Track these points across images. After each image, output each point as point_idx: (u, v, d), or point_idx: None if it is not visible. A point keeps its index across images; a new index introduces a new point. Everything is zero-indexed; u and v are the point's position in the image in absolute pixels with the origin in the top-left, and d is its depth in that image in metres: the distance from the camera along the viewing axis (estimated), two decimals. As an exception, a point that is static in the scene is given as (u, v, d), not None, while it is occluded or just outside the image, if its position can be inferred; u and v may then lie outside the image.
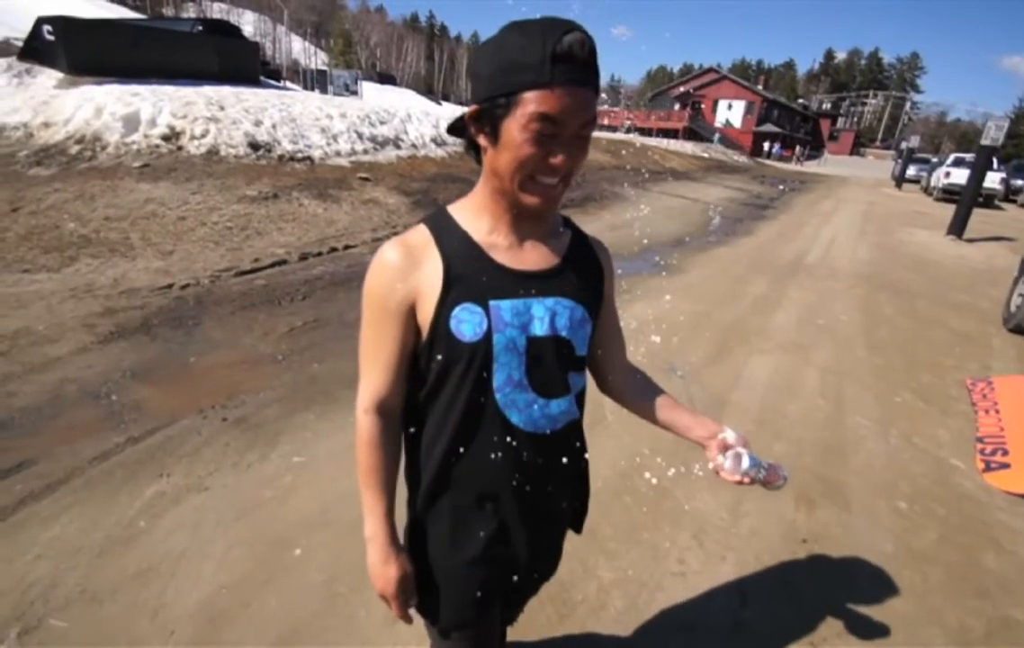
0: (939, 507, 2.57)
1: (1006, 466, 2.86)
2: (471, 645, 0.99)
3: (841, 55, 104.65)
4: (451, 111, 21.04)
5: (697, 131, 41.91)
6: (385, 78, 37.51)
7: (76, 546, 1.95)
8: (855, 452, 2.97)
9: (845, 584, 2.09)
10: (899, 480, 2.75)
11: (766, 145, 47.20)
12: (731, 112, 50.71)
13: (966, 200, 10.44)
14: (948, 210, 11.42)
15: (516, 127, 0.70)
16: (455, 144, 12.09)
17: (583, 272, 0.88)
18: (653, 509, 2.37)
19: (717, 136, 40.82)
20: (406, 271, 0.79)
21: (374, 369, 0.84)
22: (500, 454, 0.84)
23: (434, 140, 11.36)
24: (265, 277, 4.73)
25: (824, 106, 78.36)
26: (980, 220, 12.15)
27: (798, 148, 47.53)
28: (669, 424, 0.99)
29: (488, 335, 0.78)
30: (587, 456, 1.01)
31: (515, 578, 0.95)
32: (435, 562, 0.92)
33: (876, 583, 2.09)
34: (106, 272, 4.29)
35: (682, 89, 53.67)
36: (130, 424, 2.64)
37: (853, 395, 3.63)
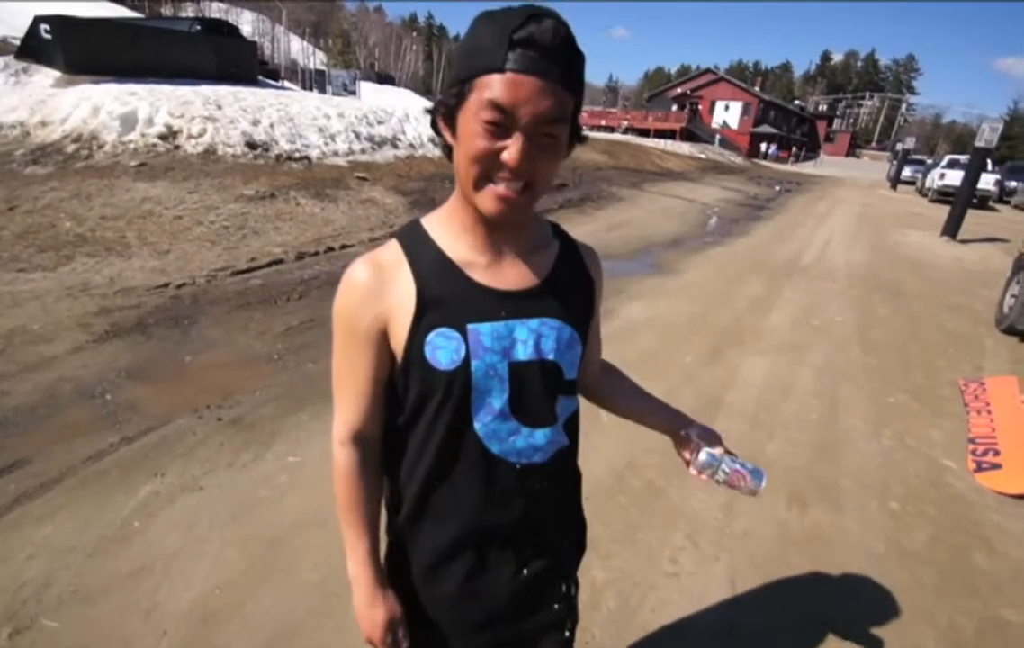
0: (931, 507, 2.59)
1: (997, 467, 2.88)
2: None
3: (838, 57, 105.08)
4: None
5: (695, 132, 41.96)
6: (384, 78, 37.49)
7: (69, 546, 1.95)
8: (848, 452, 2.99)
9: (837, 584, 2.10)
10: (891, 480, 2.77)
11: (763, 146, 47.34)
12: (728, 113, 50.82)
13: (960, 202, 10.49)
14: (943, 211, 11.47)
15: (469, 116, 0.63)
16: (452, 144, 12.10)
17: (572, 288, 0.81)
18: (647, 509, 2.38)
19: (718, 138, 40.87)
20: (375, 293, 0.73)
21: (347, 398, 0.79)
22: (481, 486, 0.78)
23: (432, 140, 11.35)
24: (261, 276, 4.73)
25: (820, 107, 78.67)
26: (974, 221, 12.22)
27: (794, 149, 47.68)
28: (636, 415, 0.98)
29: (466, 362, 0.71)
30: (581, 487, 0.97)
31: (501, 614, 0.87)
32: (414, 591, 0.86)
33: (868, 583, 2.11)
34: (102, 271, 4.28)
35: (679, 90, 53.76)
36: (125, 424, 2.64)
37: (847, 396, 3.64)
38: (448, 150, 0.71)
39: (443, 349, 0.71)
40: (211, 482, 2.33)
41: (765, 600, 1.99)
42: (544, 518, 0.85)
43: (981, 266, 8.39)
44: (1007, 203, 20.44)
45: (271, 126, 8.34)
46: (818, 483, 2.69)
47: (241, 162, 7.35)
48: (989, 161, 15.31)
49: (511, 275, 0.76)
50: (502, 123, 0.62)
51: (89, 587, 1.80)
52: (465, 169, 0.66)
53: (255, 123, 8.17)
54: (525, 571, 0.85)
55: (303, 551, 2.02)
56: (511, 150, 0.63)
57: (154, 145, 6.82)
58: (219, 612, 1.76)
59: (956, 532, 2.44)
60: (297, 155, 8.16)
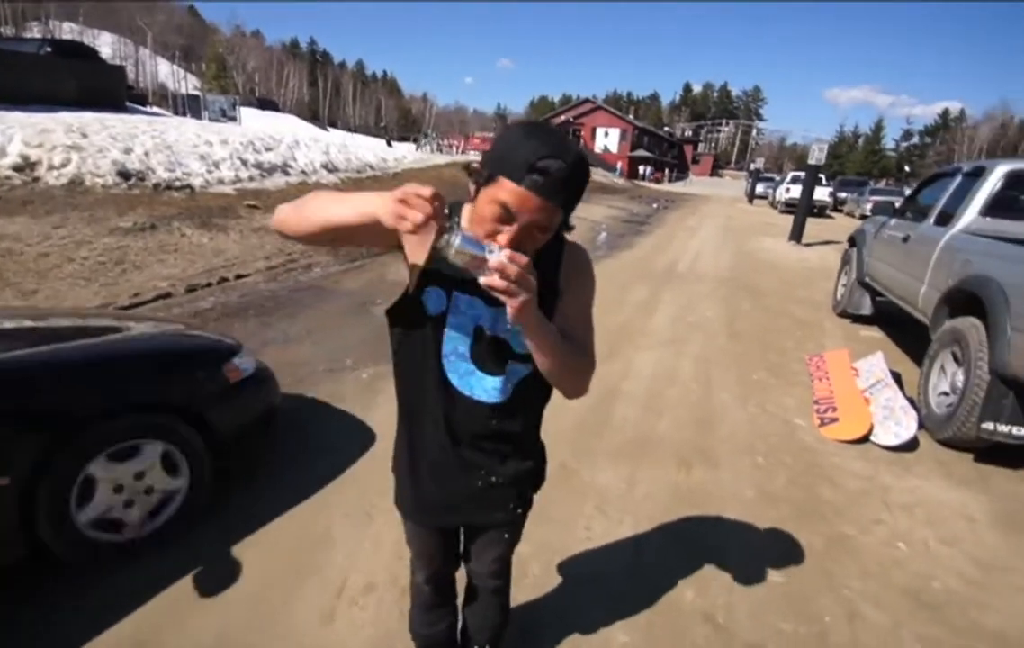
0: (787, 458, 3.12)
1: (835, 420, 3.52)
2: (416, 540, 1.31)
3: (697, 88, 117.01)
4: (341, 137, 20.61)
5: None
6: (266, 103, 35.96)
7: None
8: (722, 422, 3.49)
9: (719, 526, 2.49)
10: (756, 441, 3.28)
11: (641, 168, 51.39)
12: (608, 139, 54.56)
13: (801, 212, 12.25)
14: (790, 220, 13.27)
15: (486, 198, 0.87)
16: (347, 171, 11.97)
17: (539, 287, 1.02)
18: (561, 488, 2.65)
19: (619, 168, 43.50)
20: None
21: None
22: (439, 404, 1.08)
23: (325, 166, 11.17)
24: (148, 312, 4.46)
25: (686, 133, 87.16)
26: (815, 228, 14.25)
27: (667, 171, 52.24)
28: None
29: (445, 313, 1.02)
30: (519, 432, 1.16)
31: (457, 507, 1.20)
32: (398, 462, 1.22)
33: (742, 522, 2.52)
34: (-45, 316, 3.82)
35: (563, 117, 56.72)
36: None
37: (719, 377, 4.22)
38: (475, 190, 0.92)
39: (433, 300, 1.02)
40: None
41: (663, 546, 2.32)
42: (494, 448, 1.14)
43: (820, 264, 9.84)
44: (840, 211, 23.97)
45: (146, 154, 7.78)
46: (700, 449, 3.13)
47: (114, 193, 6.80)
48: (823, 177, 17.95)
49: None
50: (505, 219, 0.86)
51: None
52: (479, 224, 0.88)
53: (127, 151, 7.59)
54: (480, 483, 1.16)
55: (234, 572, 2.03)
56: (504, 235, 0.86)
57: (8, 178, 6.11)
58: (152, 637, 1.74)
59: (807, 474, 2.97)
60: (178, 184, 7.69)
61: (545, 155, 0.82)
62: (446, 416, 1.08)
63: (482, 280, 0.80)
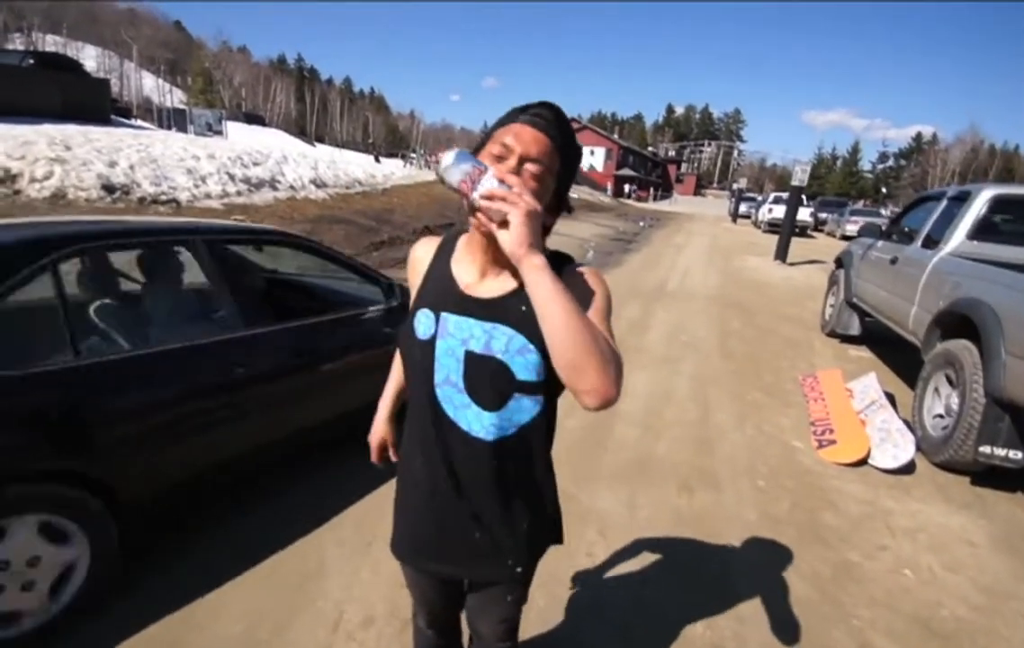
0: (788, 481, 3.09)
1: (833, 442, 3.51)
2: (416, 588, 1.23)
3: (679, 109, 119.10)
4: (329, 153, 20.53)
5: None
6: (253, 118, 35.86)
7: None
8: (721, 444, 3.47)
9: (723, 550, 2.45)
10: (757, 462, 3.26)
11: (626, 187, 52.08)
12: (593, 158, 55.26)
13: (785, 232, 12.45)
14: (773, 240, 13.48)
15: (485, 152, 0.90)
16: (335, 187, 11.90)
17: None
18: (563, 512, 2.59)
19: (609, 187, 44.06)
20: (418, 262, 1.08)
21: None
22: (436, 440, 0.99)
23: (314, 182, 11.09)
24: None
25: (669, 153, 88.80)
26: (799, 247, 14.48)
27: (652, 189, 53.01)
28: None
29: (434, 338, 0.96)
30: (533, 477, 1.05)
31: (449, 557, 1.08)
32: (398, 499, 1.15)
33: (746, 546, 2.49)
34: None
35: (550, 136, 57.20)
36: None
37: (715, 397, 4.20)
38: None
39: (423, 324, 0.99)
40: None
41: (668, 574, 2.28)
42: (496, 493, 1.01)
43: (806, 283, 9.98)
44: (821, 231, 24.45)
45: (131, 168, 7.64)
46: (701, 472, 3.09)
47: (98, 206, 6.64)
48: (804, 197, 18.29)
49: (485, 287, 0.97)
50: (504, 157, 0.88)
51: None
52: None
53: (112, 165, 7.44)
54: (477, 534, 1.04)
55: (221, 605, 1.94)
56: (501, 168, 0.86)
57: (-14, 189, 5.96)
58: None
59: (809, 498, 2.94)
60: (164, 198, 7.55)
61: (536, 104, 0.91)
62: (444, 453, 0.99)
63: (480, 193, 0.78)
